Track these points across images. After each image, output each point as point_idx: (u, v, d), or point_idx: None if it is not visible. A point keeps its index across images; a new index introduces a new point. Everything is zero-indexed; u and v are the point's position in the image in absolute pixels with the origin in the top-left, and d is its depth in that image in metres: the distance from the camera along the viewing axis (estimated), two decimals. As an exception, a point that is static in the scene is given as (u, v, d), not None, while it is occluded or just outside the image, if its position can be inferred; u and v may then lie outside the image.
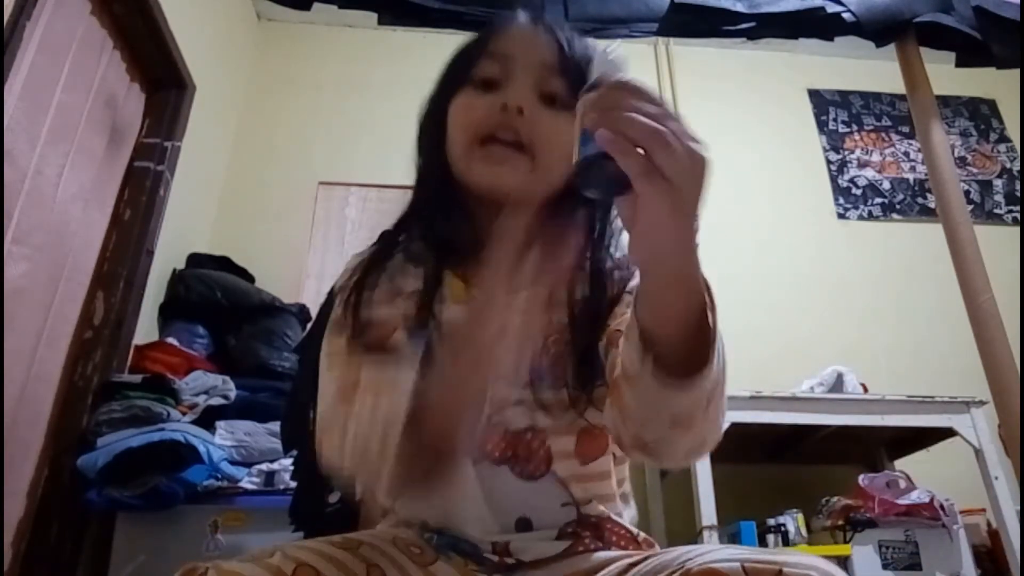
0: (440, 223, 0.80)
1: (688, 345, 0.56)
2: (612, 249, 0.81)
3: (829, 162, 3.62)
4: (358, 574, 0.63)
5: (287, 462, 1.92)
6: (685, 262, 0.53)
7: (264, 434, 2.06)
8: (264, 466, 1.97)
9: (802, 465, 2.68)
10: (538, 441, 0.74)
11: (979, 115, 3.84)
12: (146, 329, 2.40)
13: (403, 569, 0.67)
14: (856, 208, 3.52)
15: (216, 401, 2.12)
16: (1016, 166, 3.70)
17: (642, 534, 0.77)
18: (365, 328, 0.75)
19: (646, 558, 0.66)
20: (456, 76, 0.81)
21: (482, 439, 0.72)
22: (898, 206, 3.55)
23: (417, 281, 0.78)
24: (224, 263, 2.72)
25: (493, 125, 0.76)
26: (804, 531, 2.23)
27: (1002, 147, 3.77)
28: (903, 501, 2.17)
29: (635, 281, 0.73)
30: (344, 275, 0.83)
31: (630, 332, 0.60)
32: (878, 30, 1.87)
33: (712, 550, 0.61)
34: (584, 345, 0.74)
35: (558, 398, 0.74)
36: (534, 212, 0.68)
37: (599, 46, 0.58)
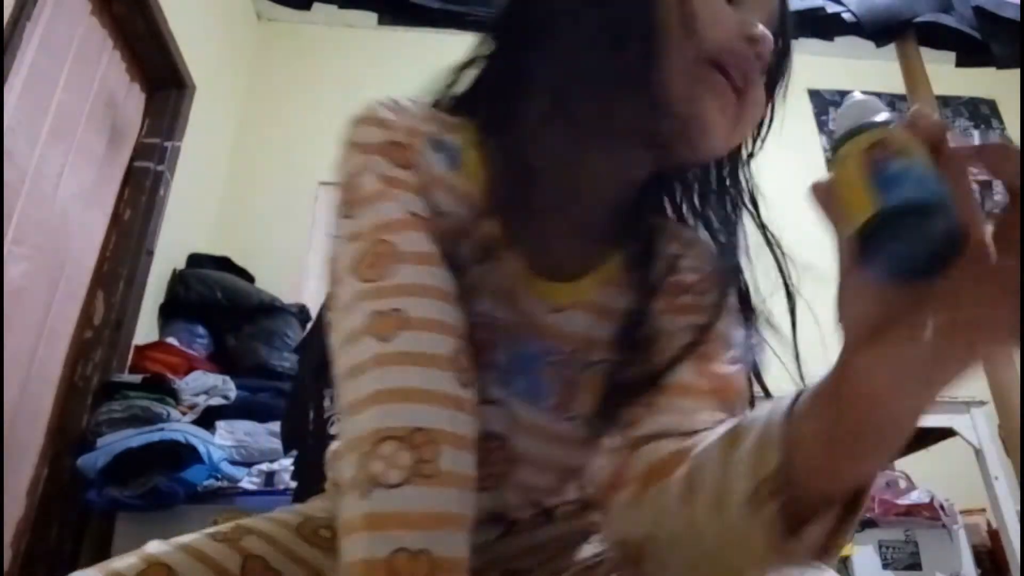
0: (577, 150, 0.57)
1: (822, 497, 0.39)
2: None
3: (829, 162, 3.61)
4: (227, 567, 0.56)
5: (287, 462, 1.91)
6: (918, 412, 0.36)
7: (264, 434, 2.07)
8: (264, 466, 1.98)
9: (802, 465, 2.67)
10: (498, 455, 0.59)
11: (979, 115, 3.84)
12: (146, 329, 2.40)
13: (296, 556, 0.59)
14: (856, 208, 3.52)
15: (216, 401, 2.12)
16: (1016, 166, 3.71)
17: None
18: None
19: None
20: None
21: None
22: (898, 206, 3.56)
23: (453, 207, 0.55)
24: (224, 263, 2.72)
25: (733, 53, 0.53)
26: (804, 531, 2.23)
27: (1002, 147, 3.77)
28: (903, 501, 2.17)
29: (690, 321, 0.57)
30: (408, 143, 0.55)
31: (761, 449, 0.40)
32: (878, 30, 1.87)
33: None
34: (623, 373, 0.56)
35: (555, 424, 0.59)
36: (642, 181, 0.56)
37: None
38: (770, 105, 0.62)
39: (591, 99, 0.55)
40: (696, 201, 0.64)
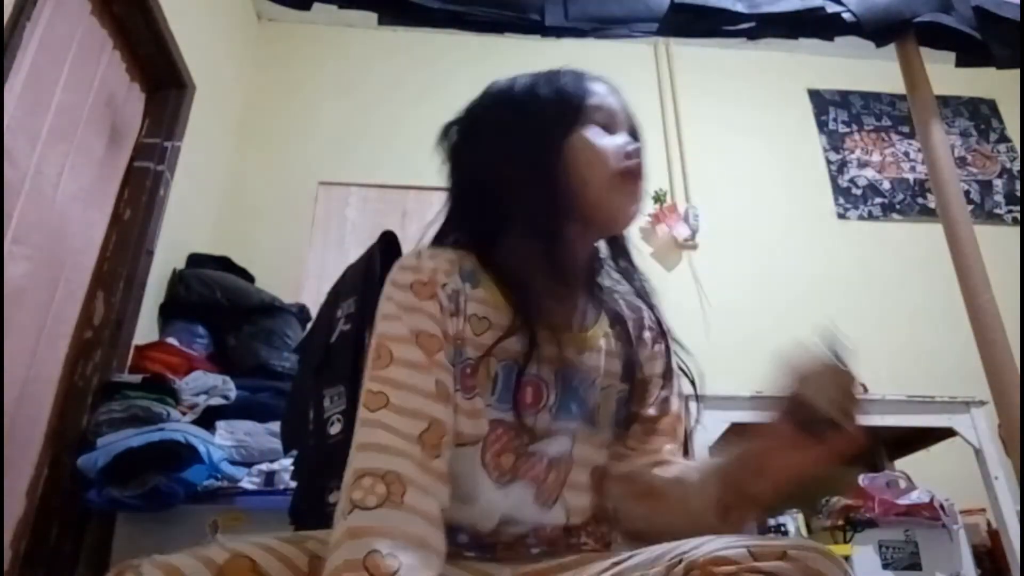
0: (551, 253, 0.83)
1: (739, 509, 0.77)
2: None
3: (829, 162, 3.62)
4: (299, 565, 0.65)
5: (287, 462, 1.91)
6: (781, 484, 0.74)
7: (264, 434, 2.06)
8: (264, 466, 1.97)
9: (802, 465, 2.67)
10: (564, 468, 0.82)
11: (979, 115, 3.84)
12: (146, 329, 2.40)
13: None
14: (856, 208, 3.52)
15: (216, 401, 2.12)
16: (1016, 166, 3.70)
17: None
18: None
19: (630, 556, 0.69)
20: (567, 116, 0.86)
21: (521, 466, 0.79)
22: (898, 206, 3.55)
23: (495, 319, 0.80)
24: (224, 263, 2.72)
25: (627, 164, 0.86)
26: (804, 531, 2.23)
27: (1002, 147, 3.77)
28: (903, 501, 2.17)
29: (658, 365, 0.92)
30: (427, 277, 0.78)
31: (713, 484, 0.77)
32: (878, 30, 1.86)
33: (711, 539, 0.65)
34: (626, 394, 0.88)
35: (598, 435, 0.86)
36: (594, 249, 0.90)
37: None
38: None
39: (551, 225, 0.83)
40: (620, 267, 0.95)
